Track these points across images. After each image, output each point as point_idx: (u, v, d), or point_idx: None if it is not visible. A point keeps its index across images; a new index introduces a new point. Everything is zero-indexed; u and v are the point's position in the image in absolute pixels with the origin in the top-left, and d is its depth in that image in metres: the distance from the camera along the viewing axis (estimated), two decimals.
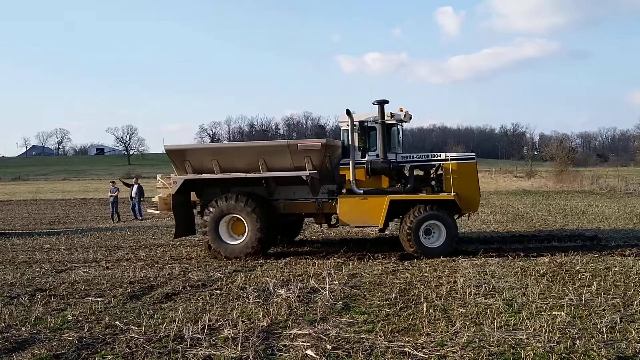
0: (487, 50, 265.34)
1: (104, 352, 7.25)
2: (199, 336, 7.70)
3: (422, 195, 14.24)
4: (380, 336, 7.58)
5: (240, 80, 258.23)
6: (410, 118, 15.55)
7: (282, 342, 7.45)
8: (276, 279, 11.46)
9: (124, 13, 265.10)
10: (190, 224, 15.82)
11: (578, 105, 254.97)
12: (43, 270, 13.47)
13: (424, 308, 8.95)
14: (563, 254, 13.67)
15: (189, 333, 7.76)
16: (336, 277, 11.50)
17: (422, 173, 15.17)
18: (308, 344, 7.31)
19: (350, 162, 14.52)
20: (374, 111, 14.86)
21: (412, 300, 9.61)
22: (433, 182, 14.75)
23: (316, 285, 10.69)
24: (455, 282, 10.93)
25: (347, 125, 14.86)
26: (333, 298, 9.77)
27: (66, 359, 7.02)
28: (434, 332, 7.73)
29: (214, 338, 7.65)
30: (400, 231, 14.21)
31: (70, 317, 8.93)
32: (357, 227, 16.76)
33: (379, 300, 9.62)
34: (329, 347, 7.17)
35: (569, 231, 18.62)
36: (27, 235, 21.08)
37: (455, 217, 14.63)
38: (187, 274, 12.55)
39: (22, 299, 10.30)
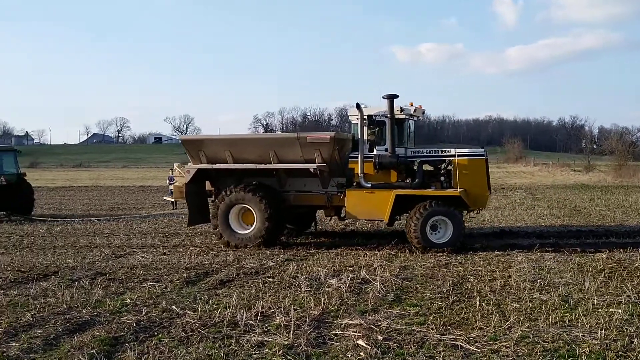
0: (545, 41, 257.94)
1: (160, 335, 7.48)
2: (252, 322, 7.85)
3: (428, 191, 14.17)
4: (432, 329, 7.56)
5: (294, 70, 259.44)
6: (423, 113, 15.38)
7: (333, 332, 7.53)
8: (327, 269, 11.54)
9: (187, 7, 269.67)
10: (204, 212, 16.07)
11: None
12: (103, 254, 13.95)
13: (477, 302, 8.87)
14: (621, 250, 13.30)
15: (242, 319, 7.92)
16: (387, 269, 11.50)
17: (431, 168, 15.03)
18: (359, 334, 7.36)
19: (359, 156, 14.52)
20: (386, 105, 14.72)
21: (465, 294, 9.54)
22: (442, 178, 14.63)
23: (367, 276, 10.72)
24: (509, 276, 10.79)
25: (357, 119, 14.84)
26: (384, 289, 9.78)
27: (125, 341, 7.26)
28: (487, 327, 7.66)
29: (266, 325, 7.79)
30: (407, 226, 14.11)
31: (128, 301, 9.24)
32: (365, 220, 16.73)
33: (431, 293, 9.58)
34: (380, 338, 7.20)
35: (628, 227, 18.06)
36: (58, 220, 21.82)
37: (464, 213, 14.49)
38: (241, 261, 12.79)
39: (83, 282, 10.70)
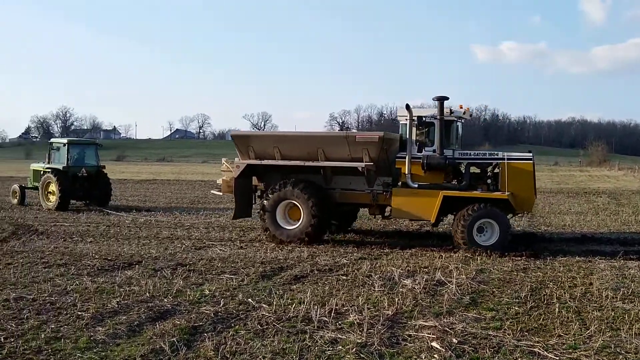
0: (635, 40, 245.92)
1: (237, 327, 7.69)
2: (326, 319, 7.93)
3: (476, 193, 14.23)
4: (508, 334, 7.41)
5: (371, 69, 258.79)
6: (471, 115, 15.25)
7: (407, 332, 7.50)
8: (402, 269, 11.50)
9: (269, 4, 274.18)
10: (248, 207, 16.45)
11: None
12: (184, 246, 14.43)
13: (556, 309, 8.62)
14: None
15: (316, 315, 8.02)
16: (463, 271, 11.33)
17: (478, 171, 15.04)
18: (433, 336, 7.31)
19: (407, 156, 14.61)
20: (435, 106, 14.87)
21: (544, 300, 9.28)
22: (489, 181, 14.69)
23: (442, 278, 10.61)
24: (590, 284, 10.41)
25: (406, 119, 14.91)
26: (460, 292, 9.66)
27: (203, 331, 7.50)
28: (566, 334, 7.43)
29: (340, 322, 7.86)
30: (454, 227, 14.18)
31: (207, 292, 9.53)
32: (410, 220, 16.87)
33: (508, 298, 9.39)
34: (454, 341, 7.12)
35: None
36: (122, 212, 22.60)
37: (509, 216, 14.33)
38: (315, 258, 12.92)
39: (164, 272, 11.12)
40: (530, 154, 14.67)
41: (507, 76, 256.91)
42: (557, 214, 23.16)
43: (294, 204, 15.08)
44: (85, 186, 23.90)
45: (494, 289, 10.04)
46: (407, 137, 14.76)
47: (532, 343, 7.08)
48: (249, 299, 9.05)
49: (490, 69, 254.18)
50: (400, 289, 9.81)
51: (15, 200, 25.29)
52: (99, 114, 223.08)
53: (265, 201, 15.33)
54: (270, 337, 7.21)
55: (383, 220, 18.62)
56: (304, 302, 8.75)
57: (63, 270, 11.17)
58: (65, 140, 24.52)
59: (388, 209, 15.38)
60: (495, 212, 13.72)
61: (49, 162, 24.30)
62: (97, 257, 12.69)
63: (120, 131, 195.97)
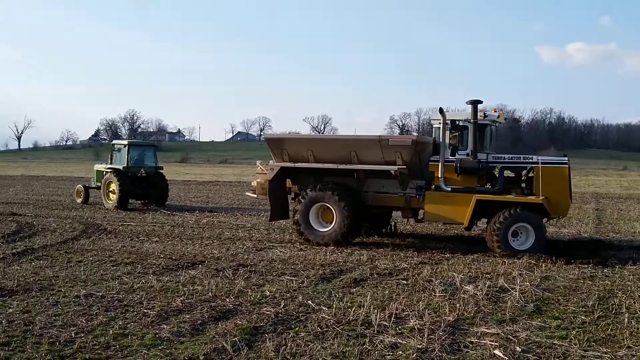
0: None
1: (297, 328, 7.76)
2: (386, 324, 7.90)
3: (510, 197, 14.16)
4: (574, 344, 7.20)
5: (433, 71, 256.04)
6: (506, 119, 14.96)
7: (469, 339, 7.39)
8: (463, 275, 11.33)
9: (330, 9, 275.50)
10: (284, 209, 16.65)
11: None
12: (245, 247, 14.66)
13: (625, 319, 8.32)
14: None
15: (376, 319, 8.00)
16: (527, 278, 11.07)
17: (512, 174, 15.05)
18: (496, 343, 7.17)
19: (440, 160, 14.56)
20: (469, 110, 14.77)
21: (612, 309, 8.97)
22: (523, 185, 14.61)
23: (506, 285, 10.39)
24: None
25: (440, 123, 14.84)
26: (523, 299, 9.44)
27: (264, 332, 7.60)
28: (636, 346, 7.17)
29: (400, 327, 7.82)
30: (488, 231, 14.13)
31: (268, 293, 9.65)
32: (444, 223, 16.91)
33: (574, 307, 9.11)
34: (518, 349, 6.97)
35: None
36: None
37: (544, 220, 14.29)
38: (375, 261, 12.89)
39: (226, 272, 11.33)
40: (566, 159, 14.51)
41: (574, 78, 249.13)
42: (627, 221, 22.33)
43: (327, 206, 15.26)
44: (143, 186, 24.96)
45: (560, 297, 9.77)
46: (441, 140, 14.76)
47: (599, 354, 6.86)
48: (309, 301, 9.11)
49: (556, 71, 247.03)
50: (462, 295, 9.67)
51: (80, 199, 26.66)
52: (164, 117, 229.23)
53: (298, 204, 15.53)
54: (330, 340, 7.24)
55: (444, 225, 18.45)
56: (363, 306, 8.74)
57: (130, 269, 11.55)
58: (125, 142, 25.83)
59: (421, 212, 15.38)
60: (530, 215, 13.69)
61: (110, 163, 25.51)
62: (162, 256, 13.05)
63: (184, 134, 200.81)
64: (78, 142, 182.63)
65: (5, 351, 6.66)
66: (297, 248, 14.63)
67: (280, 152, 16.08)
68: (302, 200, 15.48)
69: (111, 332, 7.41)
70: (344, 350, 6.87)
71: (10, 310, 8.34)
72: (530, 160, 14.57)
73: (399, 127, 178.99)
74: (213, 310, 8.52)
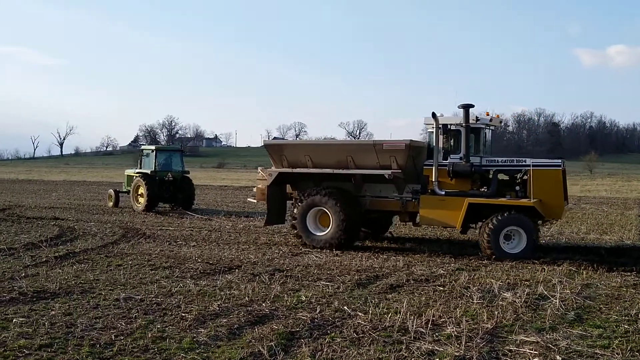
0: None
1: (333, 334, 7.74)
2: (423, 330, 7.83)
3: (502, 200, 14.26)
4: (617, 354, 7.02)
5: (469, 75, 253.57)
6: (501, 122, 15.57)
7: (507, 347, 7.27)
8: (501, 282, 11.16)
9: (361, 13, 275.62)
10: (281, 214, 17.00)
11: None
12: (281, 252, 14.73)
13: None
14: None
15: (412, 326, 7.93)
16: (567, 286, 10.85)
17: (507, 178, 15.04)
18: (535, 352, 7.04)
19: (434, 164, 14.78)
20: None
21: None
22: (517, 188, 14.62)
23: (545, 292, 10.20)
24: None
25: (433, 127, 15.00)
26: (564, 307, 9.24)
27: (300, 337, 7.61)
28: None
29: (437, 334, 7.73)
30: (480, 235, 14.26)
31: (304, 298, 9.67)
32: (442, 227, 17.31)
33: (616, 315, 8.89)
34: (558, 358, 6.84)
35: None
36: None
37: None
38: (411, 267, 12.80)
39: (263, 277, 11.39)
40: (559, 161, 14.51)
41: (615, 81, 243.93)
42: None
43: (324, 210, 15.48)
44: (170, 190, 25.92)
45: (601, 305, 9.54)
46: (434, 144, 14.87)
47: None
48: (345, 307, 9.09)
49: (596, 74, 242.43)
50: (500, 302, 9.52)
51: (111, 203, 27.82)
52: (201, 123, 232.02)
53: (295, 208, 15.81)
54: (366, 346, 7.20)
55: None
56: (400, 312, 8.68)
57: (168, 273, 11.70)
58: (153, 147, 26.71)
59: (418, 215, 15.42)
60: (522, 219, 13.75)
61: (140, 168, 26.56)
62: (199, 260, 13.19)
63: (221, 139, 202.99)
64: (118, 148, 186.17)
65: (47, 352, 6.81)
66: (333, 254, 14.62)
67: (279, 158, 16.45)
68: (299, 204, 15.78)
69: (150, 335, 7.51)
70: (380, 357, 6.83)
71: (53, 312, 8.52)
72: (523, 164, 14.58)
73: None
74: (250, 315, 8.56)
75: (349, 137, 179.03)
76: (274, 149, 16.75)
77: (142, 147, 28.86)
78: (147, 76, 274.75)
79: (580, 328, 8.17)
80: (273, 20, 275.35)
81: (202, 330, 7.77)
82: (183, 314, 8.52)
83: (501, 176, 15.00)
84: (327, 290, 10.35)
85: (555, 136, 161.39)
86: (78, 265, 12.26)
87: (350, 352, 6.98)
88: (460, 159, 14.85)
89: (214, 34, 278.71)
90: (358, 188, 15.91)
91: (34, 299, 9.27)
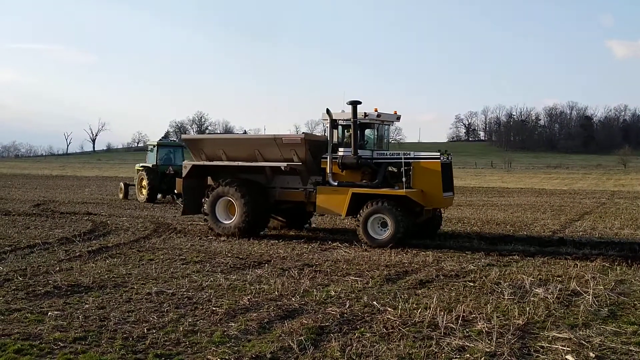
0: None
1: (362, 329, 7.74)
2: (453, 326, 7.78)
3: (379, 190, 15.23)
4: None
5: (499, 69, 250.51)
6: (398, 119, 16.52)
7: (539, 343, 7.19)
8: (533, 277, 11.03)
9: (389, 8, 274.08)
10: (197, 205, 17.47)
11: None
12: (310, 247, 14.77)
13: None
14: None
15: (442, 322, 7.88)
16: (601, 282, 10.68)
17: (396, 170, 15.85)
18: (568, 348, 6.95)
19: (328, 157, 15.79)
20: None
21: None
22: (404, 179, 15.26)
23: (578, 288, 10.05)
24: None
25: (327, 122, 15.97)
26: (597, 304, 9.10)
27: (330, 331, 7.62)
28: None
29: (467, 330, 7.68)
30: (356, 223, 15.25)
31: (333, 293, 9.68)
32: (334, 215, 18.09)
33: None
34: (592, 355, 6.74)
35: None
36: None
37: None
38: (440, 262, 12.73)
39: (292, 271, 11.44)
40: (438, 154, 15.49)
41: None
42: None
43: (231, 201, 16.32)
44: (171, 182, 26.72)
45: (636, 302, 9.37)
46: (329, 139, 15.89)
47: None
48: (374, 302, 9.08)
49: (630, 66, 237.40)
50: (532, 298, 9.41)
51: (121, 195, 29.83)
52: (230, 119, 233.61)
53: (205, 198, 16.76)
54: (395, 342, 7.19)
55: (512, 226, 18.06)
56: (429, 308, 8.63)
57: (199, 267, 11.82)
58: (155, 143, 28.69)
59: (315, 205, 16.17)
60: (387, 208, 14.72)
61: (147, 162, 28.46)
62: (229, 255, 13.30)
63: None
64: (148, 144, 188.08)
65: (82, 345, 6.94)
66: (362, 249, 14.61)
67: (198, 152, 17.51)
68: (209, 194, 16.71)
69: (181, 328, 7.60)
70: (410, 352, 6.81)
71: (86, 306, 8.68)
72: (408, 157, 15.44)
73: (465, 126, 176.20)
74: (279, 309, 8.61)
75: None
76: (192, 144, 17.86)
77: (147, 143, 30.85)
78: (178, 72, 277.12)
79: (614, 325, 8.04)
80: (306, 17, 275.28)
81: (233, 324, 7.83)
82: (214, 308, 8.60)
83: (392, 169, 15.95)
84: (357, 285, 10.35)
85: (588, 130, 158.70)
86: (111, 260, 12.45)
87: (380, 347, 6.98)
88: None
89: (243, 32, 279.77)
90: (269, 180, 16.86)
91: (68, 293, 9.45)
